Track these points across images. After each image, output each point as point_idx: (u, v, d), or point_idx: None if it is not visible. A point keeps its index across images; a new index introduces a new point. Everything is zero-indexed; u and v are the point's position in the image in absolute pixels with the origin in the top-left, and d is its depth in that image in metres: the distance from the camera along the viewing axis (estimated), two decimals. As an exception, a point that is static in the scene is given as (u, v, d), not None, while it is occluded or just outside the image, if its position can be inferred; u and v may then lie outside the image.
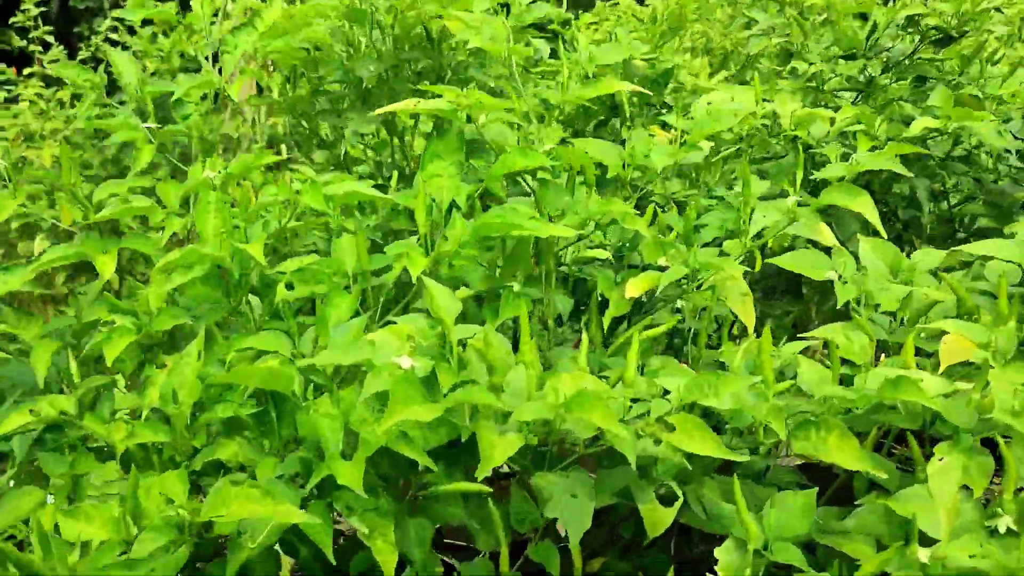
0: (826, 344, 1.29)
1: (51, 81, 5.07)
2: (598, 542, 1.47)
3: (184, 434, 1.29)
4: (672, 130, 1.43)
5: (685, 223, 1.34)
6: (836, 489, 1.29)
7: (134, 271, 2.41)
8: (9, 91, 4.69)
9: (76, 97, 4.84)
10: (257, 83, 2.86)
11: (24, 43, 5.01)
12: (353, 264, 1.37)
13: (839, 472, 1.39)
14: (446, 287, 1.13)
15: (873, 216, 1.31)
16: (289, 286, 1.36)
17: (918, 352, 1.22)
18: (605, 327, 1.35)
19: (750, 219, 1.32)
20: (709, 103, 1.46)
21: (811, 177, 1.41)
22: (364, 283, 1.36)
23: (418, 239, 1.32)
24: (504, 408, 0.97)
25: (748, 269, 1.41)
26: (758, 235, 1.37)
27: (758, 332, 1.26)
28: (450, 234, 1.28)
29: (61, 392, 1.49)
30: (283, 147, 3.22)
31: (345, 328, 1.23)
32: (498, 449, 0.95)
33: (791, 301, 2.04)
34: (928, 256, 1.38)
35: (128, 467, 1.37)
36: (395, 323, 1.11)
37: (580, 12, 4.30)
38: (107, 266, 1.40)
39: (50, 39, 4.93)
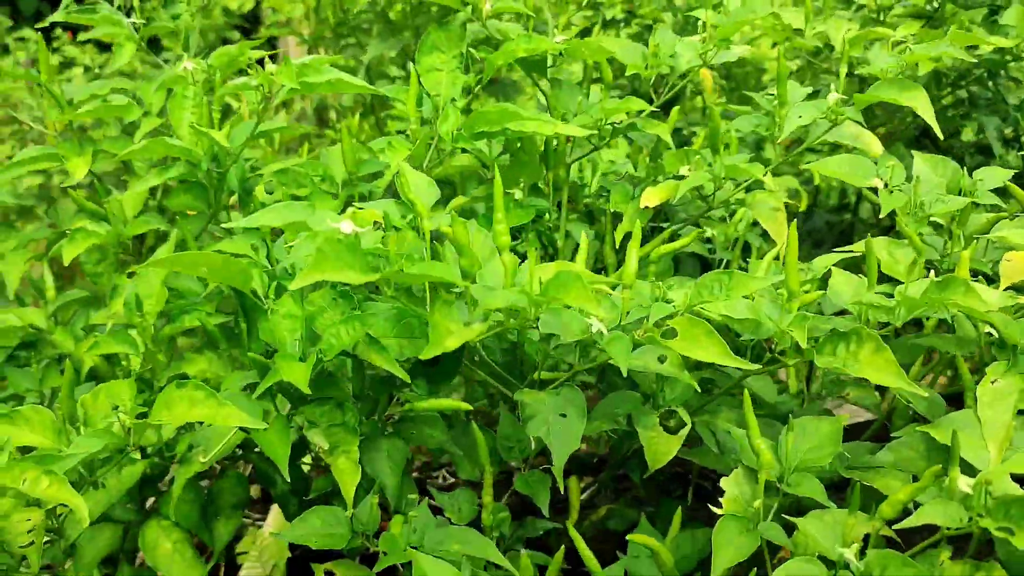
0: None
1: (104, 47, 5.07)
2: (607, 489, 1.32)
3: (151, 346, 1.18)
4: (702, 28, 1.27)
5: (711, 126, 1.17)
6: (875, 430, 1.12)
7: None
8: (64, 56, 4.69)
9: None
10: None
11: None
12: (340, 172, 1.24)
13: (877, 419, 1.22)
14: (422, 174, 0.99)
15: (928, 113, 1.13)
16: (269, 189, 1.24)
17: (976, 276, 1.04)
18: (617, 242, 1.20)
19: (785, 121, 1.15)
20: (744, -2, 1.29)
21: (860, 70, 1.24)
22: (351, 189, 1.24)
23: (406, 135, 1.19)
24: (471, 294, 0.83)
25: (790, 201, 1.25)
26: (796, 144, 1.20)
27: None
28: (442, 128, 1.14)
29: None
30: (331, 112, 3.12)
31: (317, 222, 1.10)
32: (454, 335, 0.81)
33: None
34: (994, 173, 1.19)
35: (91, 377, 1.27)
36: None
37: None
38: (79, 168, 1.30)
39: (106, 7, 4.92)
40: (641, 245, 1.23)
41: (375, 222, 0.92)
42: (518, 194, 1.21)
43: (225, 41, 4.11)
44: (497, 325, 0.84)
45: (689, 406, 1.04)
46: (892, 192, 1.08)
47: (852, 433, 1.13)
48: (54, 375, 1.32)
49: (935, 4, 1.92)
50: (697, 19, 1.26)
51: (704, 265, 1.46)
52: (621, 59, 1.27)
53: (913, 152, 1.22)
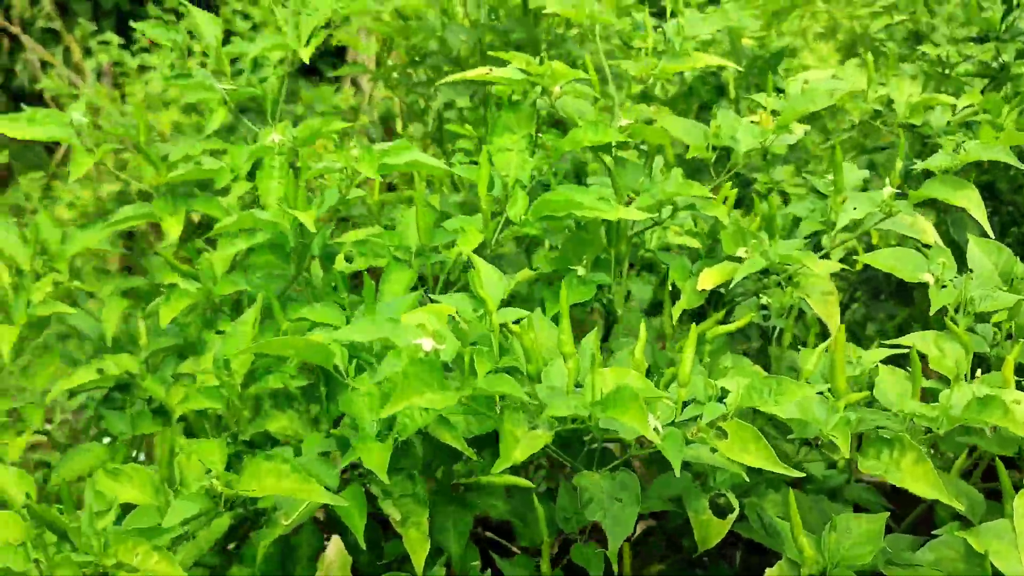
0: (922, 355, 1.16)
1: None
2: (656, 549, 1.38)
3: (236, 403, 1.28)
4: (765, 111, 1.32)
5: (767, 211, 1.23)
6: (920, 514, 1.16)
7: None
8: (144, 59, 4.88)
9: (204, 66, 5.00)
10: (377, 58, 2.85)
11: (160, 13, 5.19)
12: (414, 240, 1.32)
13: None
14: (494, 267, 1.07)
15: (979, 213, 1.17)
16: (349, 258, 1.33)
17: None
18: (675, 319, 1.26)
19: (840, 211, 1.20)
20: (806, 81, 1.33)
21: (912, 169, 1.27)
22: (425, 259, 1.32)
23: (478, 213, 1.26)
24: (535, 401, 0.90)
25: (845, 267, 1.30)
26: (850, 228, 1.25)
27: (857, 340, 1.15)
28: (510, 211, 1.21)
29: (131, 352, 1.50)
30: (398, 121, 3.21)
31: (393, 305, 1.18)
32: (520, 446, 0.88)
33: (897, 304, 1.89)
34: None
35: (187, 432, 1.38)
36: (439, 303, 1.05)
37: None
38: (173, 228, 1.40)
39: (184, 10, 5.09)
40: (697, 321, 1.29)
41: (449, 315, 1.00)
42: (581, 270, 1.27)
43: (311, 70, 4.23)
44: (559, 424, 0.92)
45: (738, 488, 1.10)
46: (943, 288, 1.12)
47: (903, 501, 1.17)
48: (146, 419, 1.42)
49: (1001, 61, 1.94)
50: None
51: (762, 330, 1.51)
52: (683, 139, 1.33)
53: (969, 237, 1.26)
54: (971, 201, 1.17)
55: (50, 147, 8.87)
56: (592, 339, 1.07)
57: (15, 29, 5.73)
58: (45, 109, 1.46)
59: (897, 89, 1.70)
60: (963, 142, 1.20)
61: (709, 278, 1.22)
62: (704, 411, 0.95)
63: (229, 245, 1.36)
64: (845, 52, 3.14)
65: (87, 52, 5.93)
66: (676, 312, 1.25)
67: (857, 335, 1.71)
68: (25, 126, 1.45)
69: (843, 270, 1.30)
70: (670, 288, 1.32)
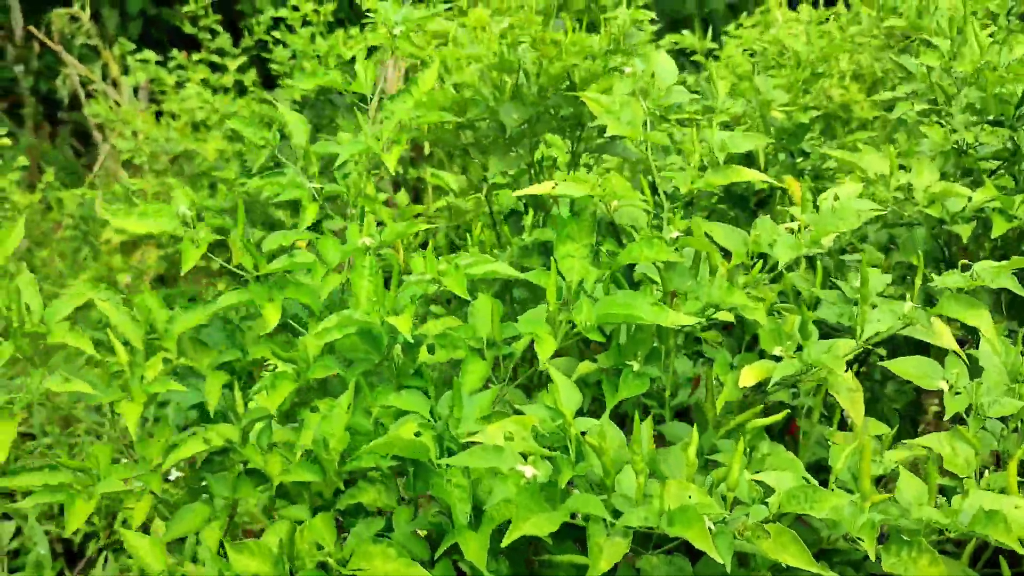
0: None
1: (216, 67, 5.44)
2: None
3: (333, 477, 1.46)
4: (794, 222, 1.49)
5: (801, 317, 1.40)
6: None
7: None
8: (179, 75, 5.07)
9: (238, 84, 5.19)
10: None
11: (195, 30, 5.38)
12: (486, 332, 1.50)
13: None
14: (568, 379, 1.24)
15: (990, 331, 1.34)
16: (431, 349, 1.50)
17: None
18: (719, 409, 1.44)
19: (865, 318, 1.37)
20: (837, 197, 1.50)
21: (931, 284, 1.44)
22: (496, 351, 1.49)
23: (547, 317, 1.44)
24: (612, 516, 1.08)
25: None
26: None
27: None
28: (576, 318, 1.39)
29: (224, 418, 1.69)
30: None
31: (476, 399, 1.37)
32: (605, 555, 1.06)
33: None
34: (1048, 359, 1.39)
35: (280, 494, 1.56)
36: (522, 412, 1.23)
37: (726, 37, 4.28)
38: (272, 315, 1.58)
39: (218, 27, 5.29)
40: (738, 411, 1.47)
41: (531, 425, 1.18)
42: (636, 365, 1.45)
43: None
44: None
45: (775, 567, 1.27)
46: (957, 395, 1.30)
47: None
48: (245, 484, 1.61)
49: (1015, 143, 2.10)
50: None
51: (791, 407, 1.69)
52: (724, 245, 1.50)
53: (983, 334, 1.43)
54: (982, 321, 1.34)
55: (78, 151, 9.03)
56: (647, 438, 1.25)
57: (56, 46, 5.93)
58: (154, 204, 1.64)
59: (917, 176, 1.87)
60: (971, 267, 1.36)
61: (750, 376, 1.39)
62: (750, 511, 1.13)
63: (323, 333, 1.54)
64: (867, 91, 3.29)
65: (124, 71, 6.13)
66: (720, 404, 1.43)
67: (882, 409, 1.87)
68: (136, 220, 1.63)
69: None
70: (714, 379, 1.49)
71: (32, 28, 6.77)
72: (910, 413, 2.19)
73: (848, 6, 5.58)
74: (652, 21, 2.93)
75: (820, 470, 1.53)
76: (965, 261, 1.69)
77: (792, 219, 1.49)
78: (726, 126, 2.39)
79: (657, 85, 1.59)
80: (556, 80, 2.21)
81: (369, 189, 1.67)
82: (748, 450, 1.41)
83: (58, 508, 3.46)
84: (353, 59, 4.29)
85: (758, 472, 1.24)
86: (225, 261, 1.99)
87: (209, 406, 1.64)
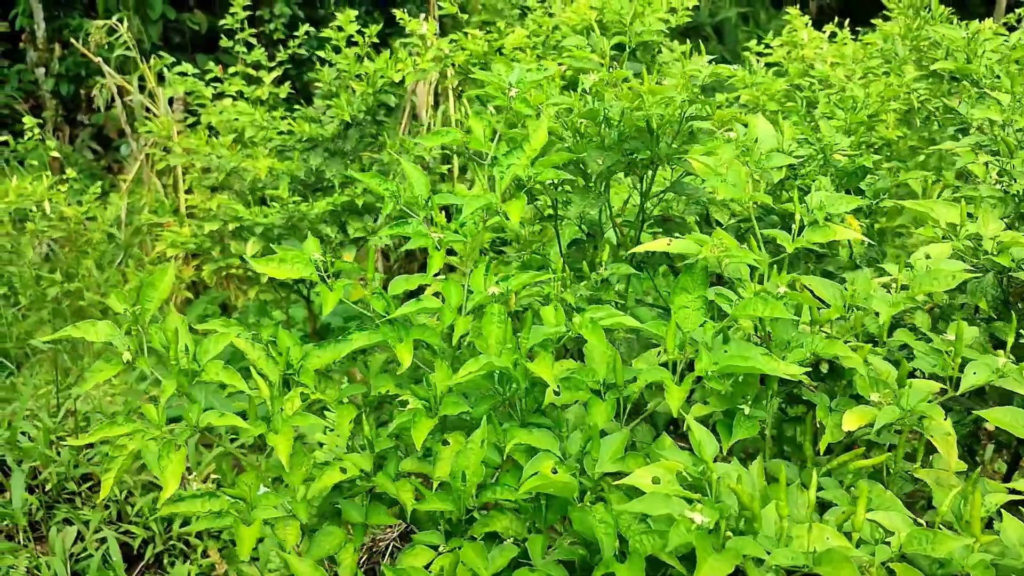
0: None
1: (251, 80, 5.57)
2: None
3: (467, 507, 1.61)
4: (889, 279, 1.64)
5: (900, 371, 1.55)
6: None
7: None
8: (215, 87, 5.20)
9: (273, 96, 5.32)
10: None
11: (231, 44, 5.51)
12: (605, 373, 1.65)
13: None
14: (705, 429, 1.39)
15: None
16: (556, 391, 1.65)
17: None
18: (821, 450, 1.58)
19: (960, 370, 1.52)
20: (928, 256, 1.65)
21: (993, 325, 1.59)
22: (616, 393, 1.64)
23: (667, 364, 1.58)
24: (763, 556, 1.23)
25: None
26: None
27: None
28: (698, 367, 1.53)
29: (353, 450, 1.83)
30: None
31: (609, 441, 1.51)
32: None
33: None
34: None
35: (411, 519, 1.70)
36: (663, 456, 1.37)
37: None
38: (406, 355, 1.72)
39: (253, 40, 5.42)
40: (840, 451, 1.61)
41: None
42: (747, 409, 1.59)
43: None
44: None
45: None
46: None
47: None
48: (378, 511, 1.75)
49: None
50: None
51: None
52: (822, 296, 1.65)
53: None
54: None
55: (97, 152, 9.04)
56: (758, 474, 1.40)
57: (96, 58, 6.06)
58: (291, 251, 1.78)
59: (983, 225, 2.01)
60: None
61: (852, 420, 1.54)
62: (876, 551, 1.28)
63: (453, 376, 1.68)
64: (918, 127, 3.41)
65: (160, 78, 6.25)
66: (823, 445, 1.58)
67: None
68: (277, 266, 1.77)
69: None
70: (814, 422, 1.64)
71: (72, 39, 6.89)
72: (967, 442, 2.34)
73: (873, 28, 5.73)
74: (661, 32, 3.07)
75: (907, 504, 1.68)
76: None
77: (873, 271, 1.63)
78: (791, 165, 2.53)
79: (759, 148, 1.73)
80: (635, 124, 2.35)
81: (485, 238, 1.81)
82: (848, 488, 1.56)
83: (116, 514, 3.61)
84: (402, 81, 4.42)
85: (870, 510, 1.39)
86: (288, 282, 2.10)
87: (342, 439, 1.78)
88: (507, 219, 1.70)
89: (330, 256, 1.79)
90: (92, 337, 1.66)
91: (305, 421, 1.69)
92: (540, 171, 1.78)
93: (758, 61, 5.68)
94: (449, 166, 4.89)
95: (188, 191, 5.72)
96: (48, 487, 3.62)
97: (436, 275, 1.81)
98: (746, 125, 2.01)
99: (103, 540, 3.44)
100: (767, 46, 5.58)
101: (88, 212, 5.18)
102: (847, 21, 6.04)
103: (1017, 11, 5.17)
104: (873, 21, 5.43)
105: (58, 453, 3.77)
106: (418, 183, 1.85)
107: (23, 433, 3.78)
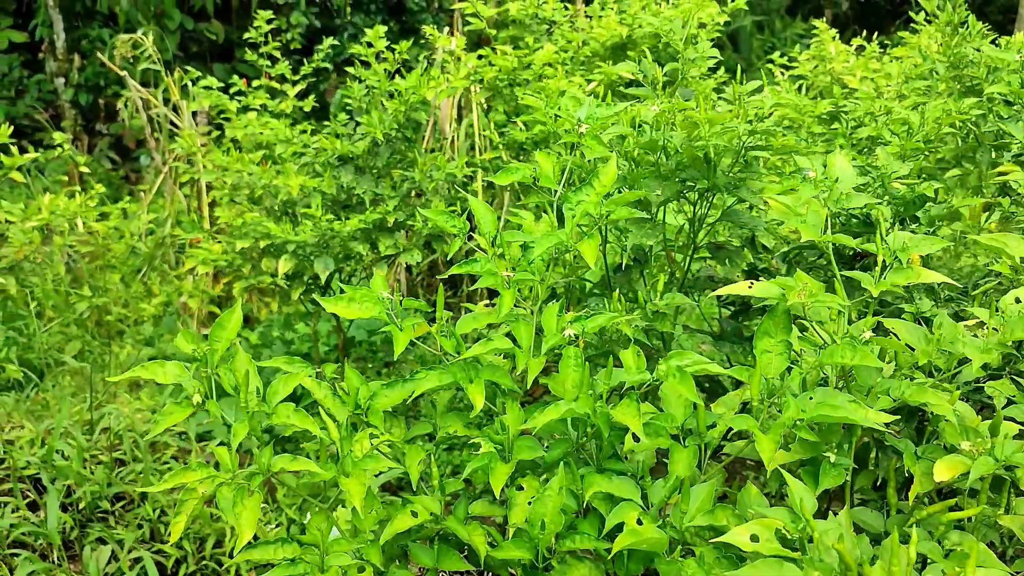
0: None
1: (275, 93, 5.56)
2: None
3: (544, 554, 1.57)
4: (981, 324, 1.60)
5: (995, 420, 1.51)
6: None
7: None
8: (239, 101, 5.19)
9: (299, 110, 5.31)
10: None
11: (256, 57, 5.50)
12: (681, 418, 1.61)
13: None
14: (802, 484, 1.36)
15: None
16: (636, 437, 1.61)
17: None
18: (911, 500, 1.55)
19: (1055, 421, 1.48)
20: (1018, 300, 1.62)
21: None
22: (696, 440, 1.61)
23: (751, 411, 1.55)
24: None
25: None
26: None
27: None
28: (786, 416, 1.50)
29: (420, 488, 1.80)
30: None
31: (697, 491, 1.48)
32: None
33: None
34: None
35: (485, 565, 1.67)
36: (764, 515, 1.34)
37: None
38: (478, 397, 1.69)
39: (277, 53, 5.40)
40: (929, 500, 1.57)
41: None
42: (832, 457, 1.56)
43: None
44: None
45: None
46: None
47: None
48: (449, 556, 1.72)
49: None
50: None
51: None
52: (907, 340, 1.62)
53: None
54: None
55: (115, 161, 9.09)
56: (848, 526, 1.36)
57: (121, 71, 6.05)
58: (360, 290, 1.75)
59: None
60: None
61: (945, 471, 1.51)
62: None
63: (527, 421, 1.65)
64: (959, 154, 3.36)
65: (183, 90, 6.25)
66: (912, 495, 1.54)
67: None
68: (346, 305, 1.74)
69: None
70: (897, 467, 1.60)
71: (92, 49, 6.89)
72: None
73: (890, 36, 5.62)
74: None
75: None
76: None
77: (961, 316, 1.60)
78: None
79: (839, 188, 1.70)
80: (693, 156, 2.32)
81: (553, 278, 1.78)
82: (939, 540, 1.52)
83: (149, 533, 3.58)
84: (424, 100, 4.39)
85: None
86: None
87: (412, 480, 1.75)
88: (579, 259, 1.67)
89: (399, 295, 1.76)
90: (161, 379, 1.64)
91: (378, 464, 1.66)
92: (613, 208, 1.75)
93: (783, 73, 5.65)
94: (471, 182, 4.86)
95: (212, 204, 5.71)
96: (82, 505, 3.60)
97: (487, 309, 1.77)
98: (797, 153, 1.97)
99: (137, 559, 3.42)
100: (791, 59, 5.55)
101: (114, 225, 5.17)
102: (864, 32, 6.01)
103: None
104: (901, 34, 5.39)
105: (91, 471, 3.76)
106: (485, 219, 1.82)
107: (57, 451, 3.76)
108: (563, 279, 2.90)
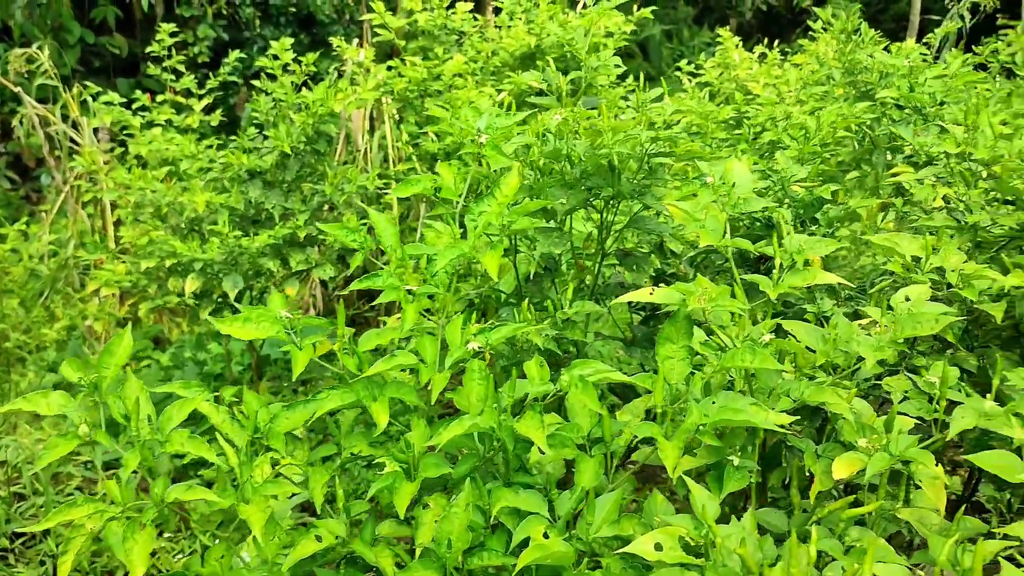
0: None
1: (181, 108, 5.42)
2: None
3: (453, 573, 1.54)
4: (868, 321, 1.63)
5: (888, 416, 1.54)
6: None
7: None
8: (143, 117, 5.04)
9: (208, 124, 5.18)
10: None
11: (159, 71, 5.34)
12: (588, 427, 1.60)
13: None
14: (705, 489, 1.36)
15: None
16: (542, 449, 1.59)
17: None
18: (812, 499, 1.57)
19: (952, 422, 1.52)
20: (907, 298, 1.65)
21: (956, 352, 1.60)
22: (603, 448, 1.60)
23: (654, 416, 1.55)
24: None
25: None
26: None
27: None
28: (688, 421, 1.50)
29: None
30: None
31: (603, 502, 1.47)
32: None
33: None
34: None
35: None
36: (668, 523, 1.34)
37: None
38: (381, 416, 1.65)
39: (182, 68, 5.26)
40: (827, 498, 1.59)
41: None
42: (736, 460, 1.57)
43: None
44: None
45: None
46: (1033, 486, 1.45)
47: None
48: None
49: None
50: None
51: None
52: (805, 342, 1.64)
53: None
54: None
55: (29, 196, 8.76)
56: (752, 528, 1.37)
57: (15, 88, 5.82)
58: (256, 309, 1.69)
59: (945, 259, 2.04)
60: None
61: (842, 468, 1.53)
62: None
63: (436, 434, 1.62)
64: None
65: (83, 105, 6.04)
66: (813, 494, 1.56)
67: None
68: (242, 326, 1.68)
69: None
70: (801, 467, 1.62)
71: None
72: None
73: (791, 44, 5.78)
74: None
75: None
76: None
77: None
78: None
79: (736, 193, 1.72)
80: (598, 164, 2.33)
81: (465, 289, 1.75)
82: (840, 537, 1.54)
83: (52, 569, 3.43)
84: (332, 112, 4.33)
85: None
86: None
87: (316, 503, 1.70)
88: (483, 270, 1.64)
89: (297, 313, 1.71)
90: (44, 410, 1.56)
91: (279, 489, 1.61)
92: (515, 219, 1.73)
93: (690, 80, 5.74)
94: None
95: (117, 223, 5.52)
96: (-22, 544, 3.43)
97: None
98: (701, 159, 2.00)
99: (37, 599, 3.28)
100: (698, 67, 5.65)
101: (11, 247, 4.95)
102: (766, 40, 6.16)
103: (936, 31, 5.33)
104: (801, 42, 5.54)
105: (-12, 508, 3.58)
106: (386, 233, 1.79)
107: (-50, 489, 3.57)
108: (474, 291, 2.88)
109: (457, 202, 1.80)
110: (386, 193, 4.77)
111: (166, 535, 3.31)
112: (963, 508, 1.59)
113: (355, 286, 1.71)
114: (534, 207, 1.72)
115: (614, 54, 4.67)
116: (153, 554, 3.16)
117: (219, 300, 4.25)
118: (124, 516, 1.46)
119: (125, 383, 1.63)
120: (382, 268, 1.74)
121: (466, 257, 1.73)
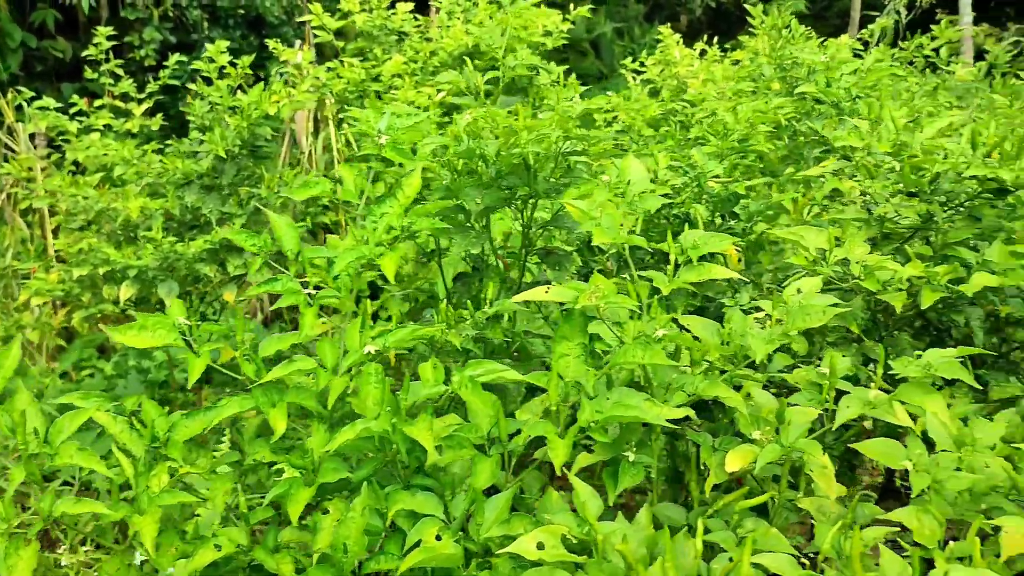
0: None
1: (119, 112, 5.34)
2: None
3: (350, 577, 1.53)
4: (764, 314, 1.65)
5: (779, 407, 1.56)
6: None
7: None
8: (81, 122, 4.96)
9: (145, 128, 5.11)
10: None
11: (96, 75, 5.26)
12: (488, 427, 1.60)
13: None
14: (589, 487, 1.36)
15: (943, 415, 1.52)
16: (439, 449, 1.59)
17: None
18: (707, 492, 1.58)
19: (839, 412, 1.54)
20: (799, 290, 1.67)
21: (890, 372, 1.62)
22: (500, 448, 1.60)
23: (549, 414, 1.55)
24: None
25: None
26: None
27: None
28: (580, 418, 1.51)
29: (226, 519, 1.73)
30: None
31: (494, 502, 1.47)
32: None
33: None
34: (987, 429, 1.59)
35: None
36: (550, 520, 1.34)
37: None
38: (280, 422, 1.64)
39: (119, 71, 5.19)
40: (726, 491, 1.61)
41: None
42: (631, 456, 1.58)
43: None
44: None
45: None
46: (919, 472, 1.47)
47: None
48: (257, 583, 1.66)
49: (929, 212, 2.32)
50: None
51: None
52: (701, 336, 1.65)
53: (928, 409, 1.61)
54: (938, 406, 1.52)
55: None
56: (647, 523, 1.38)
57: (-53, 94, 5.70)
58: (153, 317, 1.67)
59: (850, 251, 2.06)
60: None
61: (735, 461, 1.54)
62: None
63: (331, 441, 1.60)
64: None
65: (17, 109, 5.94)
66: (708, 487, 1.57)
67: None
68: (136, 334, 1.66)
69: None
70: (697, 461, 1.63)
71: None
72: (846, 456, 2.40)
73: (739, 42, 5.86)
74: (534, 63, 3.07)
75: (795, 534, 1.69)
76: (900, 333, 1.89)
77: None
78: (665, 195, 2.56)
79: (632, 190, 1.73)
80: (512, 161, 2.33)
81: (366, 278, 1.75)
82: (734, 528, 1.56)
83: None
84: (278, 112, 4.30)
85: (756, 552, 1.39)
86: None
87: (216, 511, 1.69)
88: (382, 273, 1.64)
89: (195, 319, 1.70)
90: (-71, 424, 1.52)
91: (174, 499, 1.59)
92: (414, 220, 1.73)
93: (635, 79, 5.77)
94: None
95: (56, 230, 5.43)
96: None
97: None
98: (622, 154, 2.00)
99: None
100: (642, 64, 5.68)
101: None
102: (716, 37, 6.21)
103: (870, 27, 5.39)
104: (741, 38, 5.59)
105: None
106: (287, 237, 1.77)
107: None
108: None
109: (358, 204, 1.80)
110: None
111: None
112: (857, 496, 1.61)
113: (254, 291, 1.70)
114: (438, 207, 1.72)
115: (558, 49, 4.67)
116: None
117: (157, 307, 4.19)
118: (7, 533, 1.44)
119: (15, 394, 1.60)
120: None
121: (366, 259, 1.72)
